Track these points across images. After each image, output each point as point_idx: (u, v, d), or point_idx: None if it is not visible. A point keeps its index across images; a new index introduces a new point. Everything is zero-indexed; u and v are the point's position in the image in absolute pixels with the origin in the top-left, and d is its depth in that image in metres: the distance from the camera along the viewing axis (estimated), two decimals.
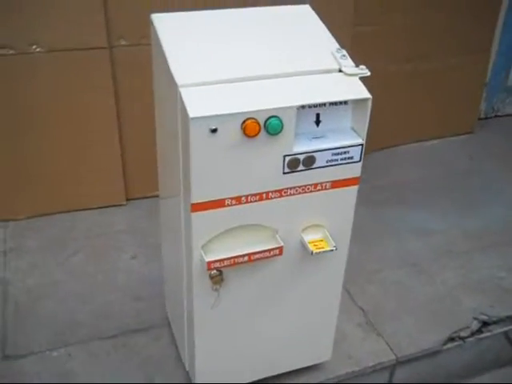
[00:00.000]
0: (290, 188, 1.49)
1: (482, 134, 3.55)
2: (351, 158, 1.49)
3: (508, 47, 3.53)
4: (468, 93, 3.42)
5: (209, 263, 1.48)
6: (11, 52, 2.33)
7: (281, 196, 1.49)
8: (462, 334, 2.19)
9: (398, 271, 2.46)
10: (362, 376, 2.04)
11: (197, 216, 1.44)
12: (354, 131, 1.49)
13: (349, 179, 1.54)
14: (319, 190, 1.52)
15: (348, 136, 1.48)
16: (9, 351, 2.01)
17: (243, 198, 1.45)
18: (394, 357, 2.08)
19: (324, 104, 1.43)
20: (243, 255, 1.51)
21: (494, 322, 2.25)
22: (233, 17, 1.62)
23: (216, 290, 1.57)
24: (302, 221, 1.57)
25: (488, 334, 2.22)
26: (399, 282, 2.41)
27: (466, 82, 3.35)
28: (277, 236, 1.55)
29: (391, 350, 2.10)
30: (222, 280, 1.55)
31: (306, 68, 1.48)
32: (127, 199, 2.79)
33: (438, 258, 2.55)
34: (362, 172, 1.54)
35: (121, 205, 2.77)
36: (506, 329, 2.25)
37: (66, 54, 2.40)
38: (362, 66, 1.48)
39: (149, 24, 1.58)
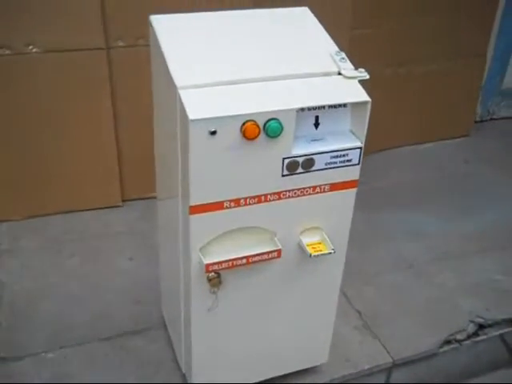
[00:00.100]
0: (289, 191, 1.49)
1: (477, 137, 3.56)
2: (350, 160, 1.49)
3: (503, 51, 3.54)
4: (464, 96, 3.43)
5: (207, 266, 1.48)
6: (7, 52, 2.32)
7: (279, 198, 1.49)
8: (459, 336, 2.19)
9: (395, 274, 2.47)
10: (359, 379, 2.04)
11: (195, 218, 1.43)
12: (353, 134, 1.49)
13: (347, 182, 1.54)
14: (318, 192, 1.52)
15: (347, 139, 1.48)
16: (4, 353, 2.00)
17: (242, 201, 1.45)
18: (390, 359, 2.08)
19: (323, 107, 1.44)
20: (241, 258, 1.51)
21: (490, 325, 2.25)
22: (232, 18, 1.62)
23: (214, 292, 1.57)
24: (301, 223, 1.57)
25: (484, 336, 2.23)
26: (396, 284, 2.41)
27: (462, 86, 3.36)
28: (275, 239, 1.55)
29: (388, 352, 2.10)
30: (220, 283, 1.54)
31: (306, 70, 1.48)
32: (123, 200, 2.78)
33: (435, 261, 2.55)
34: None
35: (117, 206, 2.76)
36: (501, 332, 2.26)
37: (63, 54, 2.39)
38: (362, 69, 1.49)
39: (146, 25, 1.58)
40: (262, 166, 1.42)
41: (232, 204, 1.44)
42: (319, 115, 1.45)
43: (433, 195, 3.01)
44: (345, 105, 1.46)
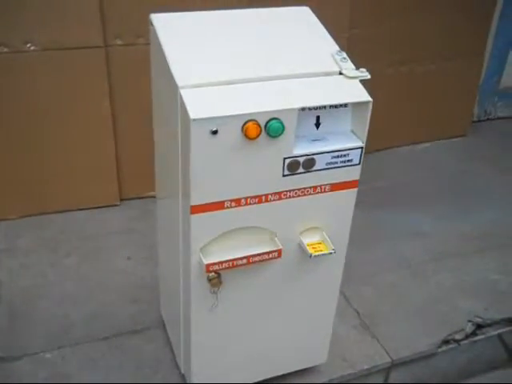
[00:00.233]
0: (290, 191, 1.48)
1: (474, 137, 3.57)
2: (351, 160, 1.49)
3: (500, 51, 3.56)
4: (461, 96, 3.44)
5: (207, 266, 1.48)
6: (5, 50, 2.31)
7: (280, 199, 1.48)
8: (457, 336, 2.20)
9: (393, 274, 2.47)
10: (358, 379, 2.04)
11: (196, 218, 1.43)
12: (354, 134, 1.49)
13: (348, 182, 1.53)
14: (318, 192, 1.51)
15: (348, 139, 1.48)
16: (2, 353, 1.99)
17: (243, 201, 1.45)
18: (389, 359, 2.08)
19: (324, 106, 1.43)
20: (242, 258, 1.50)
21: (489, 325, 2.25)
22: (233, 18, 1.61)
23: (214, 292, 1.56)
24: (301, 223, 1.56)
25: (482, 336, 2.23)
26: (394, 284, 2.41)
27: (459, 86, 3.37)
28: (275, 239, 1.54)
29: (386, 352, 2.10)
30: (220, 283, 1.54)
31: (307, 70, 1.47)
32: (121, 199, 2.78)
33: (433, 261, 2.55)
34: None
35: (115, 205, 2.75)
36: (500, 331, 2.26)
37: (61, 52, 2.38)
38: (363, 69, 1.48)
39: (145, 24, 1.57)
40: (262, 166, 1.41)
41: (233, 204, 1.44)
42: (320, 115, 1.45)
43: (430, 195, 3.02)
44: (346, 105, 1.45)
